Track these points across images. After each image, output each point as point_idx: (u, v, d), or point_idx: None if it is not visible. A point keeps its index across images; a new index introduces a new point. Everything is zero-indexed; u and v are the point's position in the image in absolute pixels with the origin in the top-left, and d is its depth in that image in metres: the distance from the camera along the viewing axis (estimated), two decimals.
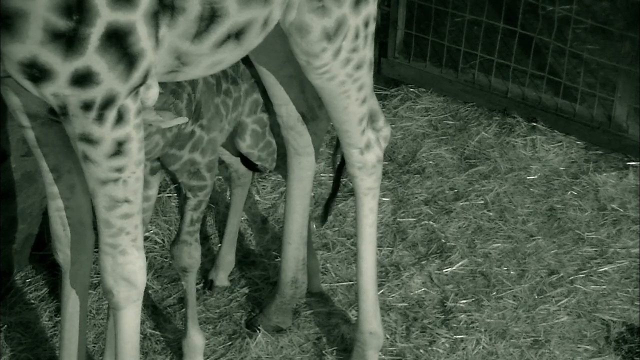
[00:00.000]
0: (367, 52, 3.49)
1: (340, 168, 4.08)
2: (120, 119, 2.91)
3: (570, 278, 4.52)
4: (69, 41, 2.73)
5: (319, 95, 3.59)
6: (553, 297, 4.42)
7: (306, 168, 4.03)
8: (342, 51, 3.40)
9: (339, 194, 4.81)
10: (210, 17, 2.97)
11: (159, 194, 4.87)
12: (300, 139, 3.98)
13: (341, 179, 4.15)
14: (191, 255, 3.81)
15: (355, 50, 3.43)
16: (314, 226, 4.72)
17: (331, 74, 3.43)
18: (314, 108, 3.94)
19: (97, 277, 4.22)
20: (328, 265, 4.55)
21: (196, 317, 3.90)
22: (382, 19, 5.74)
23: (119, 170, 2.98)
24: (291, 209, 4.08)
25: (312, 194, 4.38)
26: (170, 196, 4.88)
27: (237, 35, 3.07)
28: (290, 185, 4.06)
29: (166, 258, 4.56)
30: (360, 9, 3.38)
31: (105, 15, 2.73)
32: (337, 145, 4.05)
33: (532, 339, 4.22)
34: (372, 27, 3.46)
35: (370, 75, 3.56)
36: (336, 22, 3.33)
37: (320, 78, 3.45)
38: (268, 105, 4.00)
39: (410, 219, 4.82)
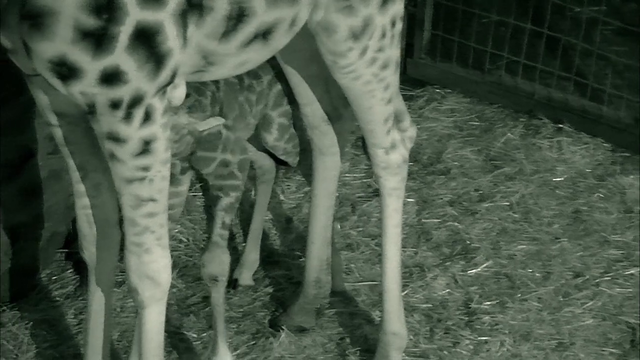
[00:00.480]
0: (394, 52, 3.49)
1: None
2: (147, 118, 2.92)
3: (596, 281, 4.50)
4: (98, 40, 2.75)
5: (345, 94, 3.59)
6: (578, 299, 4.41)
7: (331, 168, 4.03)
8: (368, 51, 3.40)
9: (363, 194, 4.85)
10: (238, 17, 2.97)
11: None
12: (324, 138, 3.98)
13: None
14: (222, 261, 3.75)
15: (382, 49, 3.43)
16: (338, 226, 4.73)
17: (357, 74, 3.43)
18: (338, 108, 3.94)
19: (122, 275, 4.21)
20: (352, 265, 4.55)
21: (225, 333, 3.88)
22: (408, 19, 5.73)
23: (145, 169, 2.99)
24: (315, 208, 4.08)
25: (337, 194, 4.39)
26: (195, 195, 4.89)
27: (264, 35, 3.08)
28: (315, 185, 4.06)
29: (190, 257, 4.58)
30: (387, 9, 3.38)
31: (134, 14, 2.75)
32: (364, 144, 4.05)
33: (556, 341, 4.21)
34: (398, 26, 3.46)
35: (396, 75, 3.56)
36: (363, 22, 3.33)
37: (346, 77, 3.45)
38: (290, 98, 4.01)
39: (434, 220, 4.82)
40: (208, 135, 3.63)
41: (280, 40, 3.17)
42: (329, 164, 4.02)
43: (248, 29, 3.02)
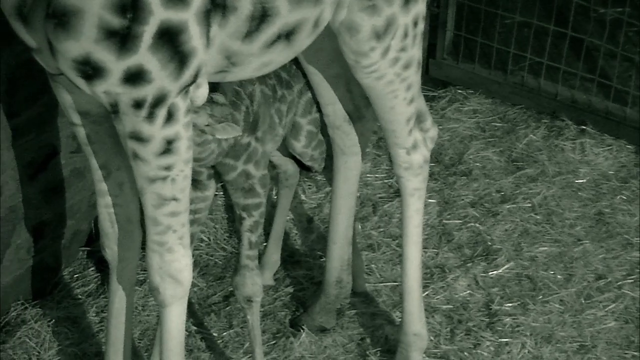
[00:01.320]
0: (416, 52, 3.48)
1: None
2: (170, 117, 2.93)
3: (618, 283, 4.49)
4: (122, 39, 2.76)
5: (367, 94, 3.59)
6: (600, 302, 4.40)
7: (352, 168, 4.03)
8: (390, 50, 3.40)
9: (384, 195, 4.84)
10: (261, 17, 2.98)
11: None
12: (346, 138, 3.98)
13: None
14: (254, 282, 3.73)
15: (404, 49, 3.43)
16: (359, 227, 4.74)
17: (379, 73, 3.43)
18: (360, 108, 3.94)
19: (143, 273, 4.26)
20: (373, 266, 4.55)
21: (262, 354, 3.87)
22: (431, 20, 5.74)
23: (168, 168, 3.00)
24: (337, 208, 4.09)
25: (358, 195, 4.39)
26: (216, 194, 4.91)
27: (287, 35, 3.08)
28: (336, 185, 4.06)
29: (212, 256, 4.60)
30: (410, 8, 3.37)
31: (158, 14, 2.76)
32: None
33: (578, 344, 4.20)
34: (421, 26, 3.46)
35: (418, 75, 3.56)
36: (386, 21, 3.33)
37: (368, 77, 3.45)
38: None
39: (456, 221, 4.82)
40: (236, 146, 3.63)
41: (304, 41, 3.17)
42: (351, 163, 4.03)
43: (271, 30, 3.03)
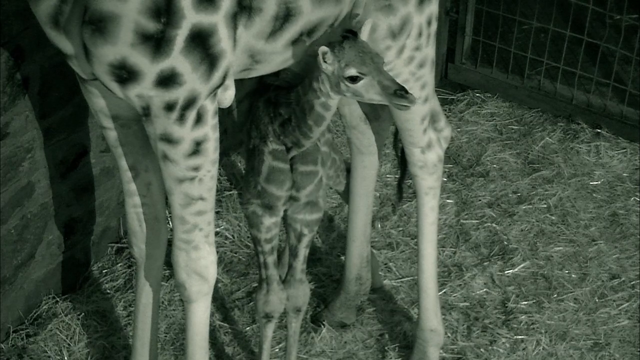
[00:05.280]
0: (430, 51, 3.49)
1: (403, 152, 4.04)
2: (199, 119, 2.96)
3: (632, 283, 4.52)
4: (156, 43, 2.79)
5: None
6: (614, 300, 4.43)
7: (369, 167, 4.05)
8: (405, 49, 3.41)
9: (404, 195, 4.84)
10: (285, 17, 3.00)
11: (229, 190, 4.97)
12: (363, 138, 4.00)
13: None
14: (306, 293, 3.73)
15: (418, 48, 3.44)
16: (379, 226, 4.78)
17: (395, 72, 3.43)
18: (376, 107, 3.95)
19: (168, 269, 4.31)
20: (391, 264, 4.59)
21: (296, 356, 3.89)
22: (450, 25, 5.77)
23: (196, 169, 3.04)
24: (355, 207, 4.11)
25: (378, 195, 4.38)
26: (241, 193, 4.95)
27: (309, 33, 3.11)
28: (354, 184, 4.08)
29: (235, 253, 4.64)
30: (424, 8, 3.39)
31: (190, 17, 2.80)
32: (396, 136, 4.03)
33: (592, 341, 4.24)
34: (434, 26, 3.47)
35: (432, 75, 3.56)
36: (401, 20, 3.34)
37: None
38: None
39: (473, 221, 4.85)
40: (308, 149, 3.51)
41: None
42: (368, 163, 4.05)
43: (294, 29, 3.05)
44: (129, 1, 2.75)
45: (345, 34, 3.08)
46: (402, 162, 4.08)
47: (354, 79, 3.05)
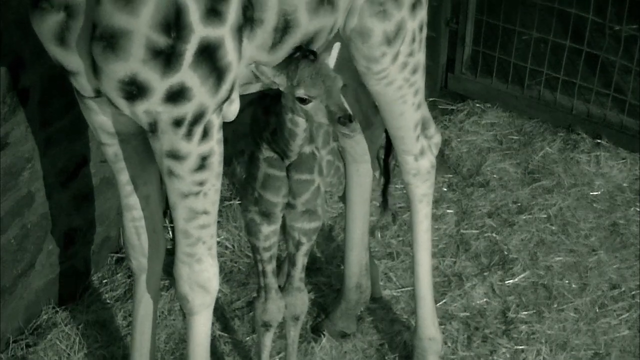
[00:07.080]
0: (421, 57, 3.51)
1: (387, 156, 4.06)
2: (205, 134, 2.96)
3: (632, 293, 4.53)
4: (167, 58, 2.78)
5: (376, 102, 3.60)
6: (614, 310, 4.43)
7: (364, 175, 4.05)
8: (400, 55, 3.42)
9: (403, 204, 4.85)
10: (284, 29, 3.02)
11: (229, 200, 4.98)
12: (357, 146, 4.01)
13: (390, 164, 4.11)
14: (304, 301, 3.74)
15: (412, 54, 3.46)
16: (379, 235, 4.78)
17: (390, 79, 3.44)
18: (369, 116, 3.96)
19: (168, 279, 4.31)
20: (391, 274, 4.59)
21: None
22: (450, 36, 5.79)
23: (201, 183, 3.04)
24: (352, 215, 4.12)
25: (377, 204, 4.39)
26: (240, 203, 4.96)
27: (307, 44, 3.12)
28: (350, 193, 4.09)
29: (236, 263, 4.65)
30: (416, 13, 3.41)
31: (198, 31, 2.79)
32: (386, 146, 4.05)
33: (592, 351, 4.24)
34: (425, 31, 3.50)
35: (423, 81, 3.57)
36: (396, 26, 3.36)
37: (379, 84, 3.47)
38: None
39: (473, 231, 4.86)
40: (302, 157, 3.52)
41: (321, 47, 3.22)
42: (362, 171, 4.05)
43: (293, 40, 3.07)
44: (140, 16, 2.73)
45: (305, 52, 3.11)
46: (385, 171, 4.12)
47: (302, 100, 3.11)
